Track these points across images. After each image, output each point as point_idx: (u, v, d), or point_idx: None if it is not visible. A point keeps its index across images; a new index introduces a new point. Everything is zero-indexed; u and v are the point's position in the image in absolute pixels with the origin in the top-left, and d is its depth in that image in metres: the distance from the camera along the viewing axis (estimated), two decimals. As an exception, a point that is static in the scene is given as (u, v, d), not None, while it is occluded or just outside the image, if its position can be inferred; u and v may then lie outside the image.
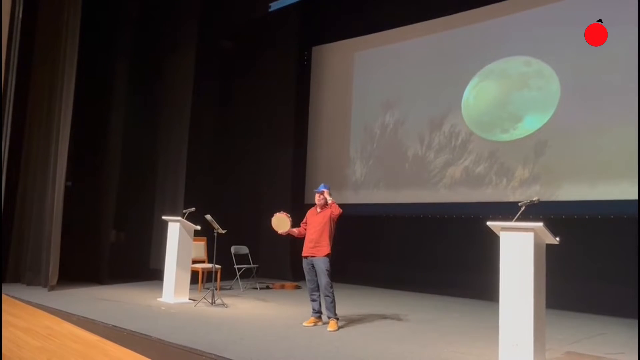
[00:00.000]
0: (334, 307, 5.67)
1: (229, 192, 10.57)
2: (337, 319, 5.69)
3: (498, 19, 8.74)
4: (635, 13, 7.04)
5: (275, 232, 6.12)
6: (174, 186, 9.44)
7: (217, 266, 7.63)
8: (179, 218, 7.34)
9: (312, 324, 5.77)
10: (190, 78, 9.57)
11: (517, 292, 4.22)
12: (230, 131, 11.06)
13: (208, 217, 7.08)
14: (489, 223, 4.48)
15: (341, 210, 5.85)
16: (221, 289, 8.37)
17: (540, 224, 4.20)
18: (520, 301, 4.19)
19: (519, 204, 4.53)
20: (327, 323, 5.67)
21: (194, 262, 7.99)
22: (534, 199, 4.60)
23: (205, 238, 8.50)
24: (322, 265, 5.70)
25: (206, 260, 8.63)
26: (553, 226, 4.31)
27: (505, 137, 8.46)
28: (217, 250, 7.14)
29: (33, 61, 8.80)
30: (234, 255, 8.74)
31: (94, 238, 9.07)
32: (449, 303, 7.97)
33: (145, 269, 9.36)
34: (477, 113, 8.82)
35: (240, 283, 8.64)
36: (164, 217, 7.72)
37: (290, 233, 6.09)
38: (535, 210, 4.82)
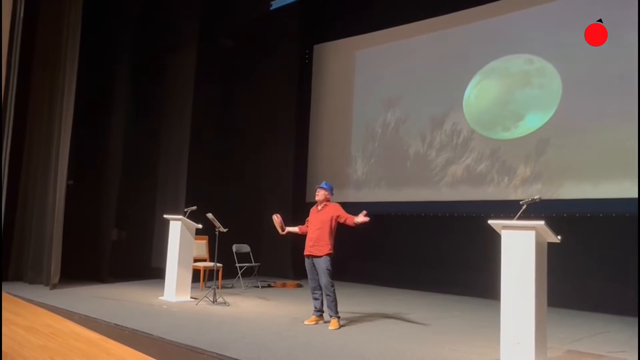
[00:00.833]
0: (335, 305, 5.67)
1: (231, 191, 10.57)
2: (339, 317, 5.69)
3: (500, 17, 8.72)
4: (636, 10, 7.02)
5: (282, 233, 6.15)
6: (175, 185, 9.45)
7: (218, 265, 7.63)
8: (181, 217, 7.35)
9: (314, 323, 5.77)
10: (191, 77, 9.57)
11: (518, 290, 4.22)
12: (232, 129, 11.06)
13: (209, 215, 7.08)
14: (490, 221, 4.47)
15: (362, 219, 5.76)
16: (222, 287, 8.37)
17: (542, 222, 4.19)
18: (522, 300, 4.18)
19: (521, 202, 4.53)
20: (329, 322, 5.68)
21: (196, 260, 7.99)
22: (535, 198, 4.59)
23: (206, 237, 8.51)
24: (322, 264, 5.69)
25: (208, 259, 8.64)
26: (554, 225, 4.31)
27: (507, 135, 8.45)
28: (219, 248, 7.14)
29: (34, 61, 8.81)
30: (236, 253, 8.74)
31: (95, 237, 9.08)
32: (450, 301, 7.97)
33: (146, 267, 9.38)
34: (478, 111, 8.81)
35: (241, 281, 8.64)
36: (165, 216, 7.73)
37: (291, 232, 6.07)
38: (536, 209, 4.81)
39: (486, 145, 8.63)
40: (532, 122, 8.17)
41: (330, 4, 10.97)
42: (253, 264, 8.84)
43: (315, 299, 5.87)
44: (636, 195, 6.90)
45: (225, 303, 6.91)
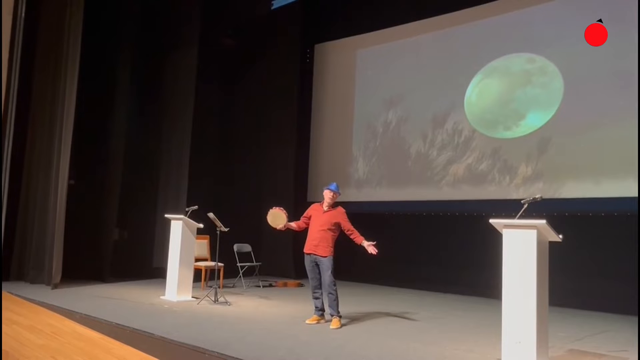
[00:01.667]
0: (337, 304, 5.67)
1: (232, 190, 10.57)
2: (340, 316, 5.69)
3: (501, 16, 8.71)
4: (636, 10, 7.01)
5: (273, 228, 6.07)
6: (176, 184, 9.45)
7: (219, 264, 7.64)
8: (182, 216, 7.35)
9: (315, 322, 5.77)
10: (193, 76, 9.57)
11: (519, 289, 4.21)
12: (233, 129, 11.05)
13: (211, 215, 7.08)
14: (491, 220, 4.47)
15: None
16: (224, 287, 8.38)
17: (543, 221, 4.19)
18: (523, 299, 4.18)
19: (522, 201, 4.52)
20: (330, 321, 5.67)
21: (197, 260, 8.00)
22: (536, 197, 4.58)
23: (208, 236, 8.51)
24: (326, 262, 5.69)
25: (209, 258, 8.64)
26: (556, 223, 4.30)
27: (509, 134, 8.44)
28: (220, 248, 7.14)
29: (36, 60, 8.82)
30: (237, 253, 8.75)
31: (97, 236, 9.09)
32: (452, 300, 7.96)
33: (148, 267, 9.38)
34: (480, 110, 8.80)
35: (242, 281, 8.65)
36: (166, 216, 7.73)
37: (288, 227, 6.06)
38: (538, 208, 4.81)
39: (487, 144, 8.62)
40: (534, 121, 8.16)
41: (331, 3, 10.97)
42: (254, 263, 8.84)
43: (316, 298, 5.87)
44: (637, 194, 6.89)
45: (226, 302, 6.91)
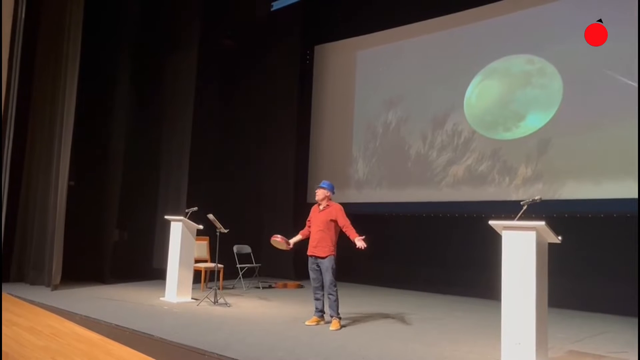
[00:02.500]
0: (337, 306, 5.67)
1: (232, 192, 10.57)
2: (340, 318, 5.69)
3: (501, 17, 8.72)
4: (636, 10, 7.02)
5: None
6: (176, 186, 9.45)
7: (219, 265, 7.64)
8: (182, 217, 7.35)
9: (315, 323, 5.77)
10: (193, 77, 9.57)
11: (519, 290, 4.22)
12: (233, 130, 11.06)
13: (210, 216, 7.08)
14: (491, 222, 4.47)
15: (349, 225, 5.76)
16: (224, 288, 8.38)
17: (543, 222, 4.19)
18: (523, 300, 4.18)
19: (521, 202, 4.52)
20: (330, 322, 5.68)
21: (197, 261, 8.00)
22: (536, 198, 4.59)
23: (207, 237, 8.51)
24: (327, 263, 5.70)
25: (209, 260, 8.64)
26: (555, 225, 4.31)
27: (508, 135, 8.44)
28: (220, 249, 7.14)
29: (36, 61, 8.82)
30: (237, 254, 8.74)
31: (96, 237, 9.09)
32: (451, 302, 7.96)
33: (148, 268, 9.38)
34: (479, 111, 8.81)
35: (242, 282, 8.65)
36: (166, 217, 7.73)
37: (296, 242, 6.04)
38: (537, 209, 4.81)
39: (487, 146, 8.63)
40: (533, 122, 8.17)
41: (331, 4, 10.97)
42: (254, 264, 8.84)
43: (317, 299, 5.87)
44: (636, 196, 6.90)
45: (226, 304, 6.91)
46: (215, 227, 7.10)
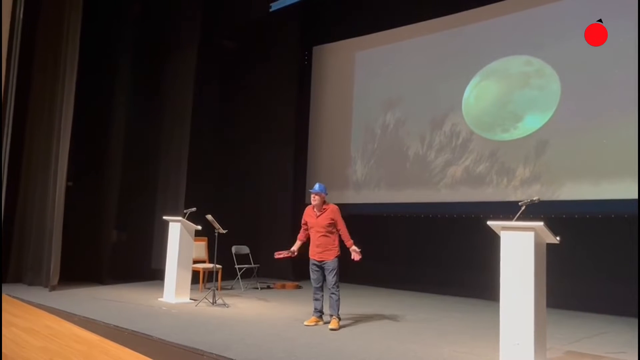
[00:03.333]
0: (338, 306, 5.68)
1: (230, 192, 10.57)
2: (339, 318, 5.70)
3: (499, 18, 8.74)
4: (636, 11, 7.04)
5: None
6: (175, 186, 9.44)
7: (218, 266, 7.63)
8: (180, 218, 7.35)
9: (313, 324, 5.78)
10: (192, 78, 9.57)
11: (517, 291, 4.22)
12: (232, 131, 11.06)
13: (209, 217, 7.08)
14: (489, 222, 4.48)
15: (345, 229, 5.79)
16: (222, 288, 8.38)
17: (541, 223, 4.20)
18: (521, 300, 4.19)
19: (520, 203, 4.53)
20: (328, 322, 5.68)
21: (195, 262, 8.00)
22: (534, 199, 4.60)
23: (206, 238, 8.51)
24: (332, 264, 5.72)
25: (207, 260, 8.64)
26: (554, 225, 4.31)
27: (506, 136, 8.46)
28: (218, 250, 7.14)
29: (34, 61, 8.81)
30: (235, 255, 8.74)
31: (95, 238, 9.08)
32: (450, 302, 7.97)
33: (146, 269, 9.37)
34: (478, 112, 8.82)
35: (241, 283, 8.64)
36: (165, 217, 7.73)
37: (297, 249, 6.05)
38: (535, 210, 4.83)
39: (485, 146, 8.64)
40: (531, 123, 8.18)
41: (329, 5, 10.97)
42: (252, 265, 8.84)
43: (316, 299, 5.87)
44: (635, 196, 6.91)
45: (224, 304, 6.91)
46: (214, 228, 7.09)
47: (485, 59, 8.77)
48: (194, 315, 6.26)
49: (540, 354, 4.19)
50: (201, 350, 4.49)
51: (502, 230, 4.40)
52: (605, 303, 7.09)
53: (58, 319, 6.09)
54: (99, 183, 9.26)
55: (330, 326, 5.57)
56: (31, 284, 8.18)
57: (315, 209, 5.89)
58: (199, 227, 7.36)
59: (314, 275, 5.85)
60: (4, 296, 7.12)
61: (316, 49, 11.33)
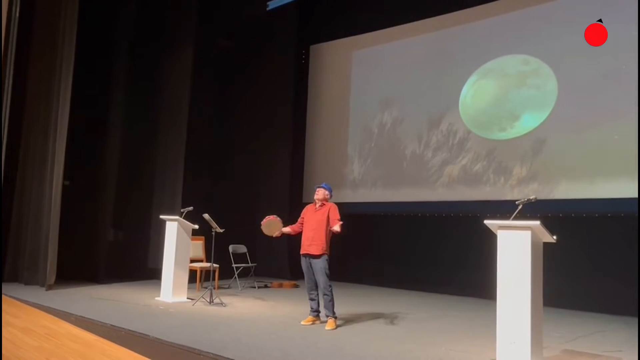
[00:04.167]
0: (333, 305, 5.68)
1: (227, 191, 10.57)
2: (336, 317, 5.70)
3: (496, 17, 8.75)
4: (633, 10, 7.06)
5: (270, 236, 6.11)
6: (172, 185, 9.43)
7: (215, 265, 7.63)
8: (177, 217, 7.34)
9: (310, 323, 5.78)
10: (188, 77, 9.56)
11: (514, 290, 4.23)
12: (228, 130, 11.06)
13: (206, 216, 7.07)
14: (486, 221, 4.49)
15: (339, 218, 5.73)
16: (219, 288, 8.38)
17: (538, 222, 4.21)
18: (518, 299, 4.20)
19: (516, 202, 4.54)
20: (325, 322, 5.68)
21: (192, 261, 7.99)
22: (531, 198, 4.60)
23: (203, 237, 8.50)
24: (319, 264, 5.69)
25: (204, 260, 8.63)
26: (550, 224, 4.32)
27: (503, 135, 8.47)
28: (215, 249, 7.13)
29: (30, 59, 8.78)
30: (232, 254, 8.74)
31: (91, 237, 9.07)
32: (447, 301, 7.98)
33: (143, 268, 9.36)
34: (475, 112, 8.83)
35: (238, 282, 8.64)
36: (161, 217, 7.72)
37: (285, 233, 6.07)
38: (532, 209, 4.84)
39: (482, 146, 8.65)
40: (528, 122, 8.20)
41: (326, 4, 10.97)
42: (250, 264, 8.84)
43: (312, 299, 5.87)
44: (631, 195, 6.94)
45: (221, 304, 6.90)
46: (211, 227, 7.09)
47: (482, 58, 8.78)
48: (191, 314, 6.25)
49: (537, 353, 4.20)
50: (198, 350, 4.48)
51: (499, 229, 4.41)
52: (602, 302, 7.11)
53: (54, 318, 6.08)
54: (96, 182, 9.24)
55: (327, 327, 5.57)
56: (27, 283, 8.16)
57: (316, 204, 5.90)
58: (196, 226, 7.36)
59: (306, 274, 5.85)
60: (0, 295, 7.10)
61: (313, 48, 11.33)
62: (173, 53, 9.83)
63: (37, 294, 7.34)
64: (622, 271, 6.92)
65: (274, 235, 6.10)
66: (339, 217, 5.75)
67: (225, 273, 8.73)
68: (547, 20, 8.12)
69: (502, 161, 8.40)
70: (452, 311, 7.12)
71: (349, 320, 6.05)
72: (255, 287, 8.79)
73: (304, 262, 5.84)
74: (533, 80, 8.23)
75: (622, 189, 7.17)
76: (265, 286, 9.03)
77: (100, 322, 5.57)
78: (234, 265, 8.62)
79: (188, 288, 7.42)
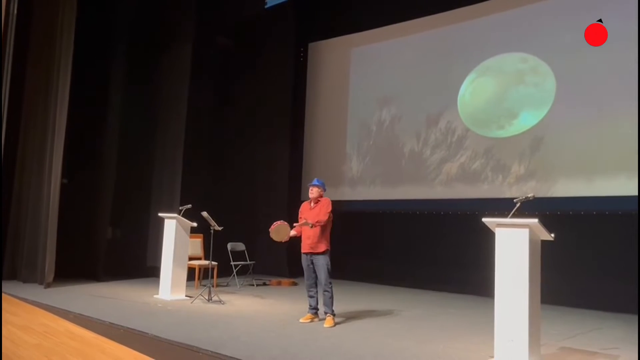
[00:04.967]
0: (332, 303, 5.69)
1: (226, 189, 10.56)
2: (334, 315, 5.71)
3: (494, 15, 8.75)
4: (633, 7, 7.06)
5: (279, 242, 6.09)
6: (170, 183, 9.43)
7: (213, 263, 7.63)
8: (176, 215, 7.35)
9: (309, 321, 5.79)
10: (187, 75, 9.55)
11: (512, 288, 4.24)
12: (227, 128, 11.04)
13: (204, 214, 7.07)
14: (484, 219, 4.49)
15: (326, 218, 5.73)
16: (218, 285, 8.38)
17: (536, 220, 4.21)
18: (516, 297, 4.21)
19: (514, 200, 4.54)
20: (324, 319, 5.69)
21: (191, 259, 7.99)
22: (529, 195, 4.61)
23: (201, 235, 8.50)
24: (322, 261, 5.72)
25: (203, 257, 8.63)
26: (548, 222, 4.33)
27: (501, 133, 8.47)
28: (214, 247, 7.14)
29: (28, 58, 8.76)
30: (231, 252, 8.75)
31: (90, 235, 9.06)
32: (445, 299, 7.99)
33: (141, 266, 9.36)
34: (473, 109, 8.84)
35: (236, 280, 8.65)
36: (160, 214, 7.72)
37: (293, 236, 6.06)
38: (530, 207, 4.84)
39: (481, 143, 8.66)
40: (526, 120, 8.20)
41: (325, 1, 10.95)
42: (248, 262, 8.84)
43: (311, 296, 5.88)
44: (630, 193, 6.95)
45: (220, 301, 6.91)
46: (209, 225, 7.09)
47: (480, 56, 8.78)
48: (189, 312, 6.26)
49: (535, 350, 4.21)
50: (197, 347, 4.49)
51: (497, 227, 4.41)
52: (600, 299, 7.12)
53: (53, 316, 6.08)
54: (94, 180, 9.23)
55: (326, 324, 5.58)
56: (26, 281, 8.16)
57: (311, 202, 5.91)
58: (195, 224, 7.36)
59: (306, 272, 5.86)
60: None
61: (312, 46, 11.32)
62: (171, 51, 9.82)
63: (35, 291, 7.34)
64: (620, 269, 6.94)
65: (284, 241, 6.08)
66: (330, 214, 5.76)
67: (224, 271, 8.74)
68: (546, 18, 8.13)
69: (501, 159, 8.41)
70: (451, 309, 7.13)
71: (347, 318, 6.06)
72: (253, 285, 8.79)
73: (304, 260, 5.85)
74: (531, 78, 8.23)
75: (620, 186, 7.19)
76: (264, 284, 9.04)
77: (99, 319, 5.57)
78: (232, 263, 8.63)
79: (186, 286, 7.42)
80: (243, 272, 8.93)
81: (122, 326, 5.27)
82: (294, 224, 5.98)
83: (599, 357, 4.68)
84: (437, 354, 4.57)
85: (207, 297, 6.95)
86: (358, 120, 10.32)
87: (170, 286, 7.15)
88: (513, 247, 4.28)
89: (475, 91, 8.85)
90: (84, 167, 9.28)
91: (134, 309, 6.39)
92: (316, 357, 4.32)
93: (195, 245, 8.53)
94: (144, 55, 9.82)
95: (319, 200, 5.89)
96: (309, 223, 5.75)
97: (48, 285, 7.68)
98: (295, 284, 9.12)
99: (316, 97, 11.09)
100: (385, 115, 9.90)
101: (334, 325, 5.59)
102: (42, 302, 6.55)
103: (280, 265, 10.18)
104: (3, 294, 7.12)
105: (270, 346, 4.63)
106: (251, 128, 11.11)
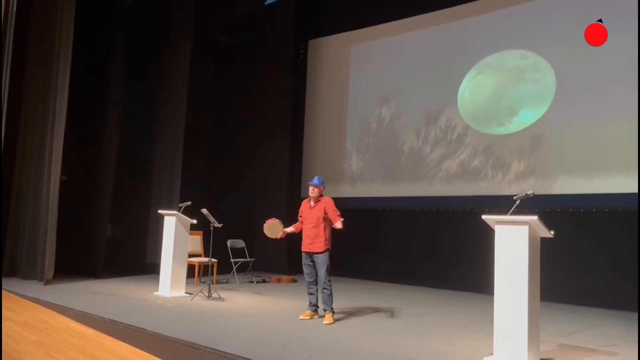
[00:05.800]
0: (332, 300, 5.70)
1: (225, 186, 10.57)
2: (333, 312, 5.72)
3: (494, 12, 8.73)
4: (633, 5, 7.05)
5: (274, 238, 6.14)
6: (170, 180, 9.43)
7: (213, 260, 7.64)
8: (175, 212, 7.35)
9: (308, 317, 5.79)
10: (186, 72, 9.55)
11: (511, 285, 4.24)
12: (226, 125, 11.04)
13: (204, 210, 7.07)
14: (484, 216, 4.49)
15: (339, 218, 5.71)
16: (217, 282, 8.39)
17: (535, 217, 4.21)
18: (515, 294, 4.21)
19: (514, 197, 4.54)
20: (323, 316, 5.70)
21: (190, 256, 7.99)
22: (528, 193, 4.61)
23: (201, 232, 8.51)
24: (322, 258, 5.73)
25: (202, 254, 8.64)
26: (548, 219, 4.33)
27: (501, 130, 8.47)
28: (214, 244, 7.14)
29: (27, 55, 8.75)
30: (231, 249, 8.75)
31: (89, 232, 9.07)
32: (445, 296, 8.00)
33: (141, 262, 9.37)
34: (473, 107, 8.83)
35: (236, 277, 8.66)
36: (160, 211, 7.72)
37: (289, 233, 6.08)
38: (530, 204, 4.85)
39: (480, 141, 8.66)
40: (526, 117, 8.20)
41: (324, -1, 10.96)
42: (248, 259, 8.85)
43: (311, 294, 5.89)
44: (629, 190, 6.95)
45: (220, 298, 6.92)
46: (209, 222, 7.09)
47: (480, 54, 8.77)
48: (189, 309, 6.26)
49: (534, 347, 4.22)
50: (196, 344, 4.49)
51: (496, 224, 4.41)
52: (600, 297, 7.13)
53: (53, 313, 6.09)
54: (94, 177, 9.24)
55: (325, 321, 5.59)
56: (26, 278, 8.17)
57: (311, 201, 5.91)
58: (194, 221, 7.36)
59: (306, 269, 5.87)
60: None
61: (311, 43, 11.30)
62: (171, 48, 9.81)
63: (35, 288, 7.35)
64: (619, 266, 6.95)
65: (277, 237, 6.10)
66: (338, 212, 5.78)
67: (224, 268, 8.74)
68: (546, 15, 8.11)
69: (500, 156, 8.41)
70: (450, 306, 7.14)
71: (346, 315, 6.06)
72: (253, 282, 8.80)
73: (305, 258, 5.86)
74: (531, 75, 8.22)
75: (619, 184, 7.19)
76: (264, 281, 9.05)
77: (99, 316, 5.58)
78: (232, 260, 8.63)
79: (186, 283, 7.43)
80: (243, 269, 8.93)
81: (122, 323, 5.27)
82: (284, 229, 6.05)
83: (599, 354, 4.68)
84: (437, 351, 4.58)
85: (206, 294, 6.96)
86: (358, 117, 10.31)
87: (170, 283, 7.16)
88: (512, 244, 4.28)
89: (475, 88, 8.84)
90: (83, 163, 9.28)
91: (134, 305, 6.40)
92: (315, 353, 4.33)
93: (195, 242, 8.54)
94: (144, 52, 9.82)
95: (320, 200, 5.89)
96: (295, 232, 6.00)
97: (48, 282, 7.69)
98: (294, 281, 9.13)
99: (316, 94, 11.08)
100: (385, 113, 9.90)
101: (334, 322, 5.60)
102: (42, 298, 6.55)
103: (279, 262, 10.20)
104: (3, 291, 7.13)
105: (270, 343, 4.64)
106: (251, 125, 11.11)
